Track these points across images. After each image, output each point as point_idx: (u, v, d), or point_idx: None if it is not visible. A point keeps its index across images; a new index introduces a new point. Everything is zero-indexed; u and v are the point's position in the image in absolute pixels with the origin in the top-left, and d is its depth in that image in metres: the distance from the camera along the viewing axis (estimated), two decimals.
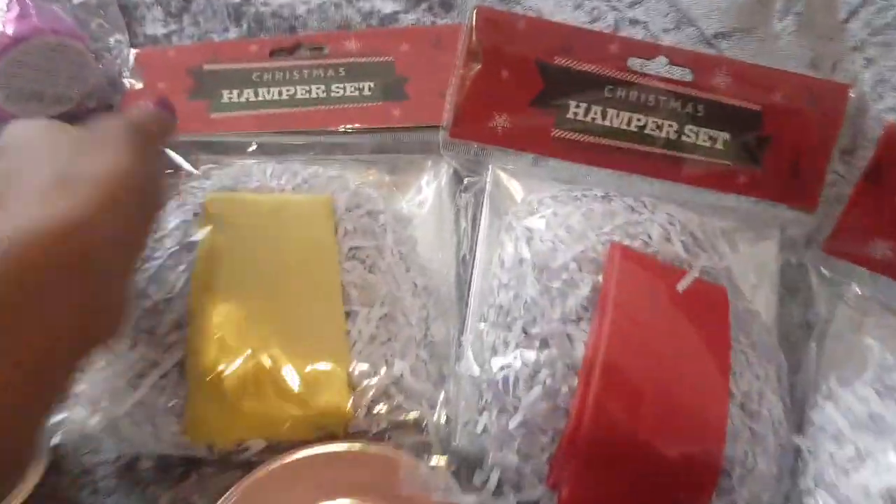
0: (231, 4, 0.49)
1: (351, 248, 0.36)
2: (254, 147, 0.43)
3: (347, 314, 0.35)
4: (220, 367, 0.32)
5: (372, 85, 0.44)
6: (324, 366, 0.33)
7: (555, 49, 0.39)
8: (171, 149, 0.40)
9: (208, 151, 0.42)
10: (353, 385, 0.33)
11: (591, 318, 0.32)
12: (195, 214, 0.36)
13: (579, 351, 0.31)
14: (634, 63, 0.40)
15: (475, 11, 0.39)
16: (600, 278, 0.33)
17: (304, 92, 0.44)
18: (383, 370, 0.34)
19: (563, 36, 0.39)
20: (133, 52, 0.45)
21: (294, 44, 0.45)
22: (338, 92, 0.44)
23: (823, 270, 0.39)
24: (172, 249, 0.35)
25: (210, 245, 0.35)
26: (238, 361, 0.32)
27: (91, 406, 0.33)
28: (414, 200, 0.43)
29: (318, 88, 0.44)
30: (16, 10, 0.40)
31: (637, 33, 0.46)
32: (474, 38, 0.39)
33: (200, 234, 0.35)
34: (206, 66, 0.44)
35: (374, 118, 0.44)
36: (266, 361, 0.33)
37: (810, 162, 0.40)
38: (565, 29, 0.39)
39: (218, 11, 0.49)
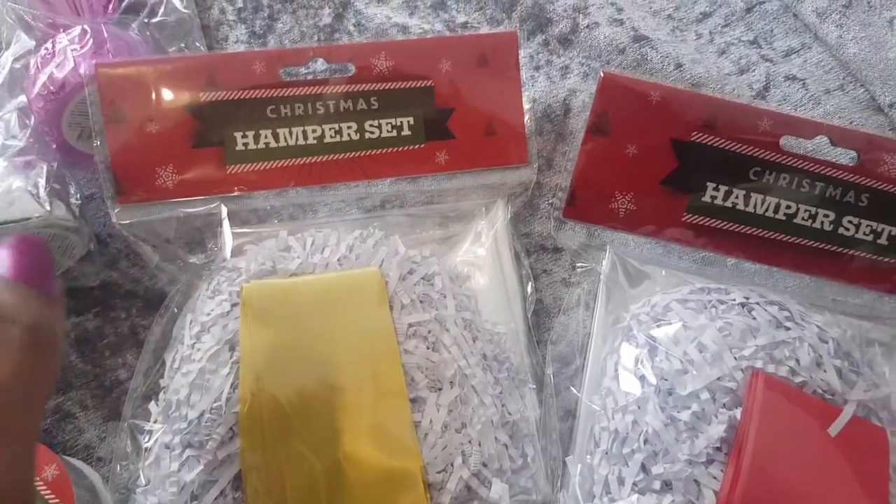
0: (321, 26, 0.49)
1: (410, 325, 0.36)
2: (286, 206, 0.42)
3: (413, 402, 0.34)
4: (281, 481, 0.32)
5: (411, 121, 0.42)
6: (394, 468, 0.33)
7: (694, 124, 0.37)
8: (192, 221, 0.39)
9: (231, 219, 0.40)
10: (428, 485, 0.33)
11: (726, 461, 0.31)
12: (233, 306, 0.36)
13: (708, 501, 0.30)
14: (788, 142, 0.37)
15: (601, 78, 0.37)
16: (738, 414, 0.31)
17: (332, 133, 0.42)
18: (459, 463, 0.34)
19: (704, 109, 0.37)
20: (86, 65, 0.39)
21: (307, 58, 0.41)
22: (373, 132, 0.42)
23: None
24: (212, 350, 0.35)
25: (253, 343, 0.35)
26: (299, 474, 0.32)
27: None
28: (469, 253, 0.42)
29: (349, 128, 0.42)
30: (90, 44, 0.41)
31: (793, 93, 0.43)
32: (598, 107, 0.38)
33: (242, 331, 0.35)
34: (204, 96, 0.40)
35: (417, 165, 0.43)
36: (331, 473, 0.33)
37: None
38: (708, 101, 0.37)
39: (307, 33, 0.49)
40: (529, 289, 0.41)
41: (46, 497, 0.33)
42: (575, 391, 0.36)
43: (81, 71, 0.39)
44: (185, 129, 0.40)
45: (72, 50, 0.40)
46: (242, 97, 0.40)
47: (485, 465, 0.34)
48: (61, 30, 0.41)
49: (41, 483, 0.33)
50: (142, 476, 0.35)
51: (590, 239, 0.42)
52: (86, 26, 0.41)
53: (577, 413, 0.36)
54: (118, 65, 0.39)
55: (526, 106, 0.43)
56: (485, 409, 0.36)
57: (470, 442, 0.34)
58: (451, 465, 0.34)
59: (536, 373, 0.39)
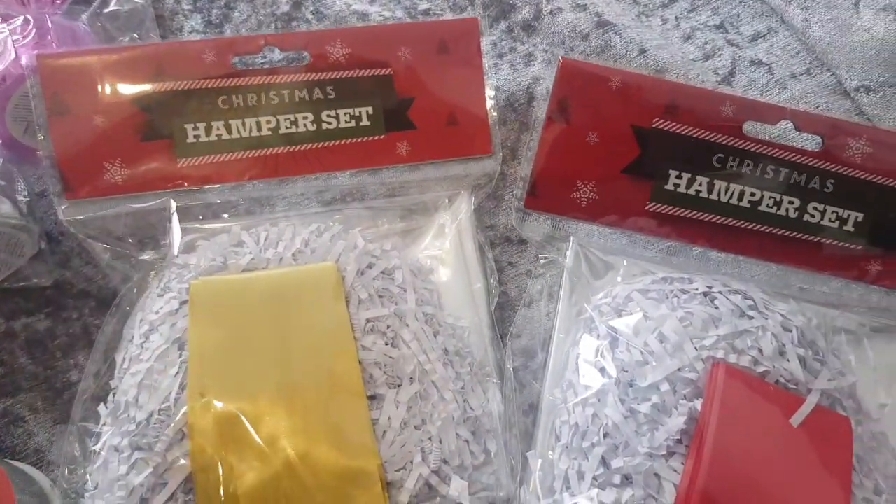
0: (278, 14, 0.48)
1: (368, 321, 0.35)
2: (240, 201, 0.41)
3: (372, 399, 0.33)
4: (233, 484, 0.31)
5: (370, 111, 0.41)
6: (350, 468, 0.32)
7: (655, 110, 0.36)
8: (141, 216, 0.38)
9: (184, 214, 0.39)
10: (386, 483, 0.32)
11: (686, 454, 0.30)
12: (182, 303, 0.35)
13: (669, 495, 0.30)
14: (752, 128, 0.37)
15: (560, 64, 0.36)
16: (698, 405, 0.31)
17: (288, 123, 0.40)
18: (418, 460, 0.33)
19: (665, 95, 0.36)
20: (27, 56, 0.37)
21: (260, 46, 0.40)
22: (330, 122, 0.41)
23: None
24: (160, 349, 0.34)
25: (202, 341, 0.33)
26: (252, 475, 0.31)
27: None
28: (432, 246, 0.41)
29: (305, 118, 0.40)
30: (32, 34, 0.39)
31: (759, 78, 0.43)
32: (558, 94, 0.37)
33: (190, 329, 0.34)
34: (153, 87, 0.39)
35: (378, 156, 0.41)
36: (284, 473, 0.31)
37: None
38: (669, 86, 0.37)
39: (264, 21, 0.48)
40: (493, 282, 0.40)
41: None
42: (538, 385, 0.36)
43: (23, 62, 0.38)
44: (133, 121, 0.39)
45: (13, 40, 0.39)
46: (192, 87, 0.39)
47: (445, 461, 0.34)
48: (1, 20, 0.40)
49: None
50: (90, 480, 0.34)
51: (554, 230, 0.41)
52: (28, 16, 0.39)
53: (539, 407, 0.35)
54: (61, 55, 0.38)
55: (489, 94, 0.42)
56: (445, 404, 0.35)
57: (430, 439, 0.34)
58: (411, 462, 0.33)
59: (500, 367, 0.38)
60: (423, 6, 0.48)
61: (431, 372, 0.35)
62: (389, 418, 0.33)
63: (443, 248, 0.41)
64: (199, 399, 0.32)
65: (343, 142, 0.41)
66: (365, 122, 0.41)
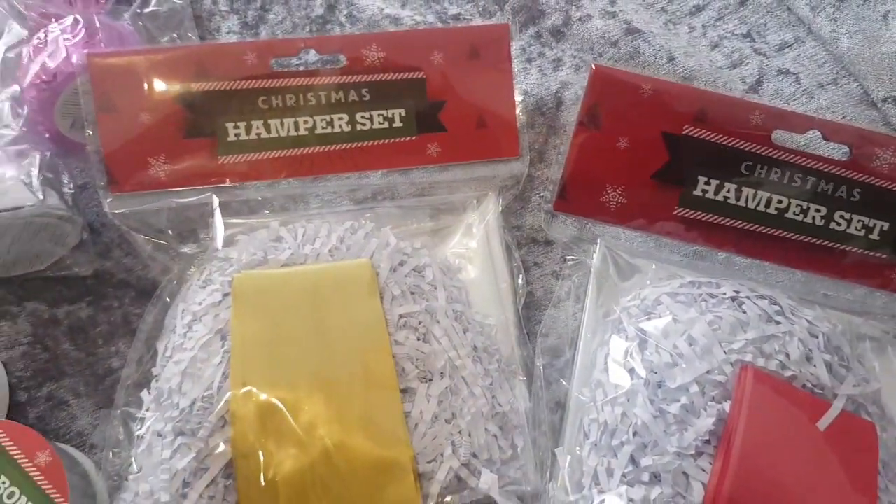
0: (313, 17, 0.48)
1: (401, 317, 0.36)
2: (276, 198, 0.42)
3: (404, 392, 0.34)
4: (272, 470, 0.32)
5: (402, 113, 0.42)
6: (384, 458, 0.32)
7: (685, 117, 0.37)
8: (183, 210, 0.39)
9: (223, 209, 0.40)
10: (418, 474, 0.33)
11: (714, 454, 0.30)
12: (224, 295, 0.36)
13: (697, 493, 0.30)
14: (780, 136, 0.37)
15: (592, 71, 0.37)
16: (727, 407, 0.31)
17: (324, 124, 0.41)
18: (449, 453, 0.33)
19: (695, 102, 0.37)
20: (77, 55, 0.38)
21: (298, 49, 0.41)
22: (364, 123, 0.42)
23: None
24: (204, 339, 0.35)
25: (244, 332, 0.34)
26: (290, 463, 0.32)
27: None
28: (460, 245, 0.42)
29: (340, 119, 0.41)
30: (82, 34, 0.40)
31: (786, 87, 0.43)
32: (589, 100, 0.37)
33: (233, 321, 0.34)
34: (195, 86, 0.40)
35: (409, 157, 0.42)
36: (321, 461, 0.32)
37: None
38: (700, 94, 0.37)
39: (298, 24, 0.49)
40: (520, 281, 0.41)
41: (39, 483, 0.33)
42: (565, 383, 0.36)
43: (73, 61, 0.39)
44: (176, 118, 0.39)
45: (64, 40, 0.39)
46: (234, 87, 0.40)
47: (475, 455, 0.34)
48: (53, 19, 0.41)
49: (34, 469, 0.33)
50: (134, 463, 0.35)
51: (581, 232, 0.41)
52: (78, 16, 0.40)
53: (567, 405, 0.36)
54: (110, 55, 0.39)
55: (518, 98, 0.42)
56: (475, 399, 0.35)
57: (460, 432, 0.34)
58: (441, 455, 0.33)
59: (527, 365, 0.38)
60: (453, 11, 0.48)
61: (461, 367, 0.36)
62: (421, 411, 0.34)
63: (470, 247, 0.42)
64: (241, 388, 0.33)
65: (376, 142, 0.42)
66: (397, 123, 0.42)
